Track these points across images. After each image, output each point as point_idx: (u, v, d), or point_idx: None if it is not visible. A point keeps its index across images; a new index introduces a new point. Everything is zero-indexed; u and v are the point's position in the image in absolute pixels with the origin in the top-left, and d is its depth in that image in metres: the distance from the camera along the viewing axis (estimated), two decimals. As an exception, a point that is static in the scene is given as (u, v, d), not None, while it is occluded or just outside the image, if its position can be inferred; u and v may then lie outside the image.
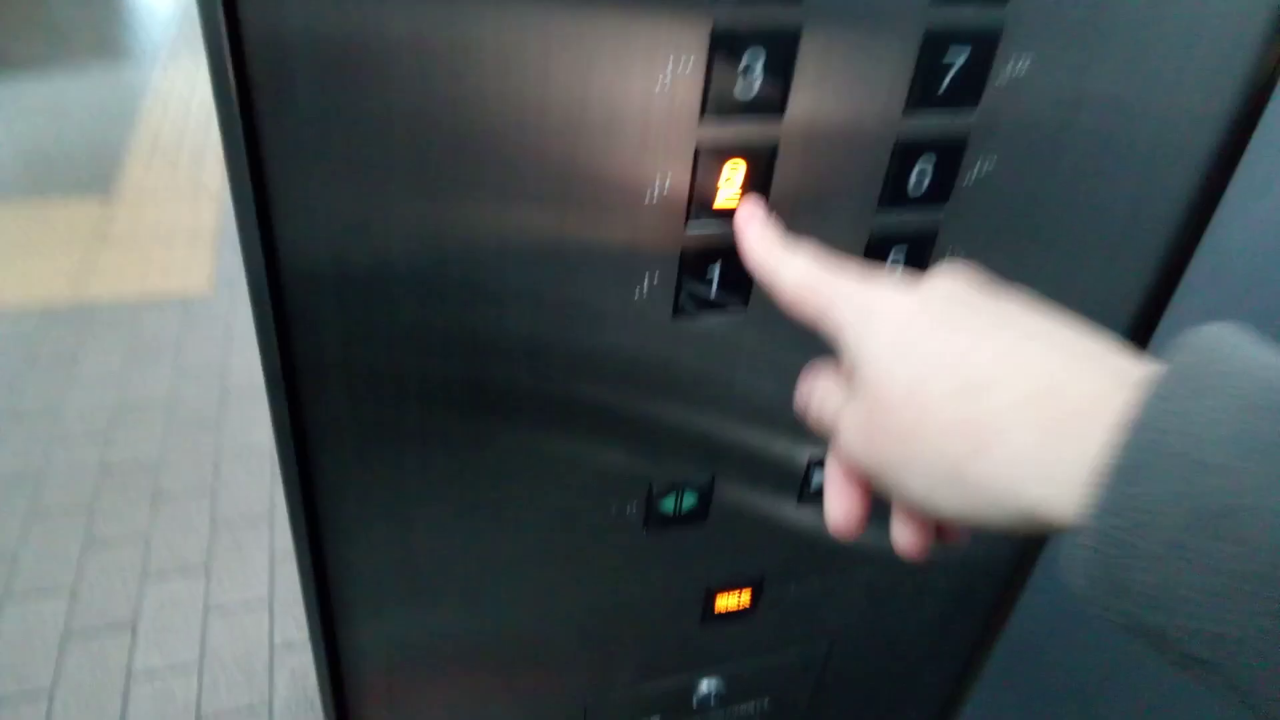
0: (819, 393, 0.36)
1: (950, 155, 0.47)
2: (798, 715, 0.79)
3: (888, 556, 0.69)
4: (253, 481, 1.94)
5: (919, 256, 0.50)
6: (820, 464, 0.60)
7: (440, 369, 0.47)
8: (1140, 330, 0.61)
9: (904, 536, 0.34)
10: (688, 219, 0.45)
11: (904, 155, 0.46)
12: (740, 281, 0.48)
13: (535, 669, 0.65)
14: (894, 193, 0.47)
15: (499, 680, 0.65)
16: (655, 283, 0.47)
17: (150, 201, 2.95)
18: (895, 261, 0.50)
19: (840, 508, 0.35)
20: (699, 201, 0.44)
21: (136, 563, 1.78)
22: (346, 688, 0.59)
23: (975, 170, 0.48)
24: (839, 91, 0.43)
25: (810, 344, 0.54)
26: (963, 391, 0.27)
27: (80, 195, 2.93)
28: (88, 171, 3.08)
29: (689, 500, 0.58)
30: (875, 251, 0.49)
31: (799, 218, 0.46)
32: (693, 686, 0.71)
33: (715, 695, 0.71)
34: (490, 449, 0.51)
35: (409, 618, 0.58)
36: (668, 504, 0.57)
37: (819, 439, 0.58)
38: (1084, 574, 0.23)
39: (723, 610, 0.66)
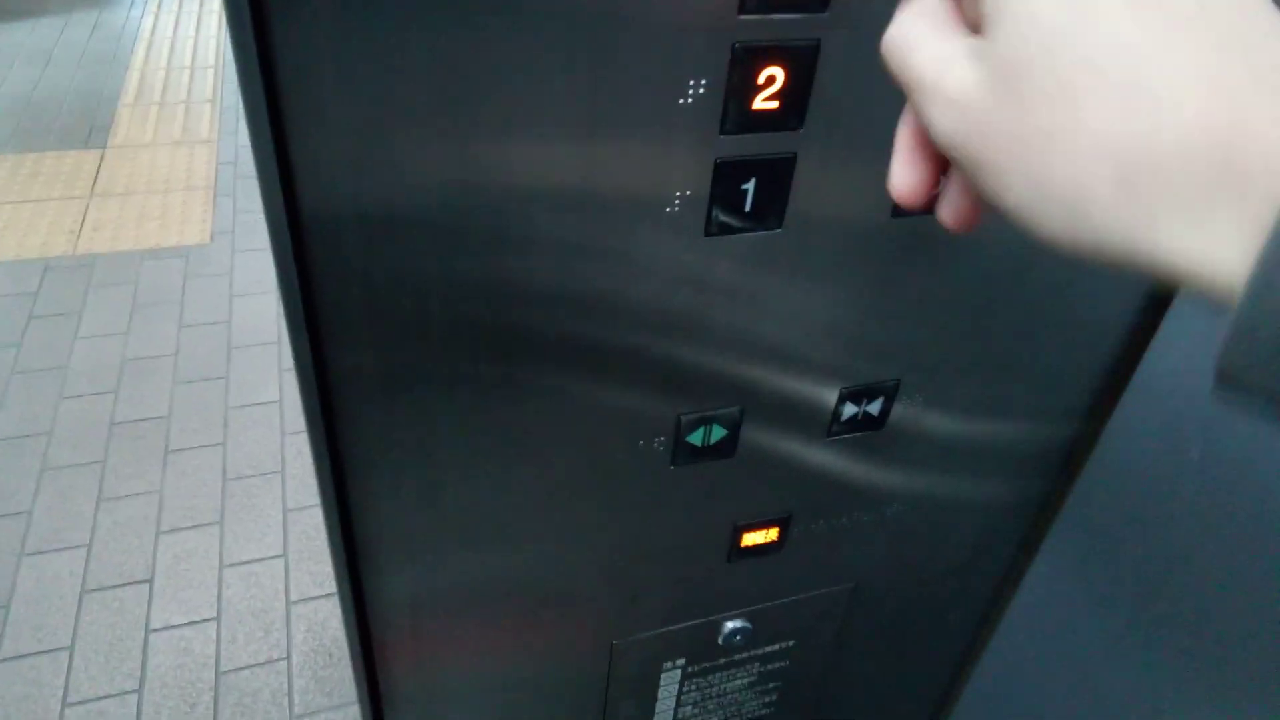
0: (915, 28, 0.27)
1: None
2: (822, 658, 0.79)
3: (915, 495, 0.68)
4: (262, 435, 1.93)
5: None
6: (852, 397, 0.58)
7: (465, 306, 0.44)
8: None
9: (949, 210, 0.28)
10: (722, 128, 0.42)
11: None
12: (775, 198, 0.45)
13: (562, 611, 0.64)
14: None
15: (526, 623, 0.64)
16: (688, 197, 0.44)
17: (144, 150, 2.90)
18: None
19: (906, 178, 0.28)
20: (734, 110, 0.41)
21: (150, 518, 1.79)
22: (373, 637, 0.58)
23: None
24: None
25: (849, 273, 0.53)
26: (1131, 105, 0.21)
27: (73, 146, 2.88)
28: (79, 121, 3.03)
29: (717, 433, 0.56)
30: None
31: (843, 125, 0.44)
32: (719, 627, 0.70)
33: (741, 635, 0.70)
34: (516, 386, 0.49)
35: (435, 563, 0.57)
36: (695, 437, 0.55)
37: (850, 369, 0.57)
38: (1248, 336, 0.20)
39: (750, 546, 0.64)
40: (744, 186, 0.44)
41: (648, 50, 0.39)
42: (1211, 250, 0.21)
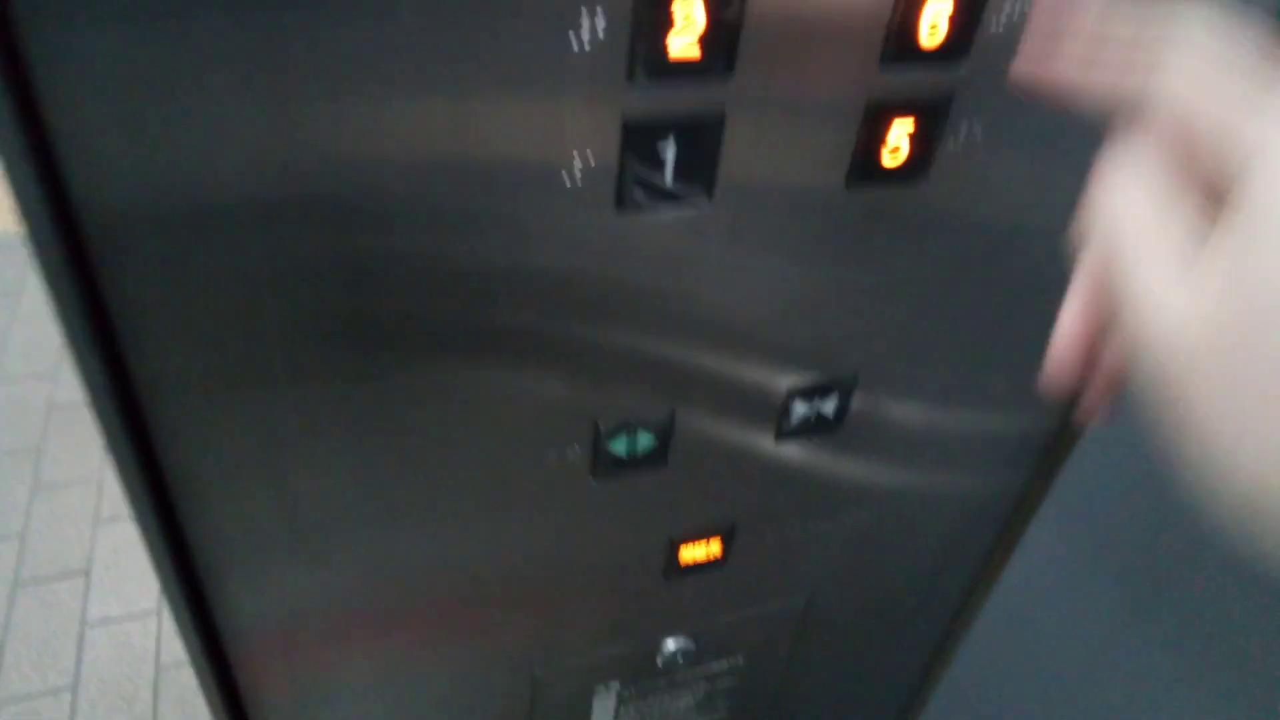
0: (1141, 217, 0.21)
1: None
2: (776, 673, 0.72)
3: (876, 500, 0.61)
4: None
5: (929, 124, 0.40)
6: (801, 395, 0.51)
7: (305, 299, 0.36)
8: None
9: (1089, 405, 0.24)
10: (631, 75, 0.34)
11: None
12: (701, 163, 0.37)
13: (471, 636, 0.56)
14: (898, 46, 0.36)
15: (430, 650, 0.56)
16: (591, 165, 0.36)
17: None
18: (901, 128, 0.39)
19: (1066, 366, 0.25)
20: (645, 51, 0.33)
21: (89, 507, 1.70)
22: (231, 661, 0.50)
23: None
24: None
25: (796, 245, 0.45)
26: None
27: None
28: None
29: (644, 441, 0.48)
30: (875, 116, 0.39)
31: (781, 75, 0.36)
32: (658, 647, 0.63)
33: (683, 654, 0.63)
34: (384, 386, 0.40)
35: (306, 581, 0.48)
36: (619, 445, 0.48)
37: (800, 363, 0.49)
38: None
39: (689, 563, 0.57)
40: (661, 146, 0.36)
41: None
42: None
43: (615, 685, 0.64)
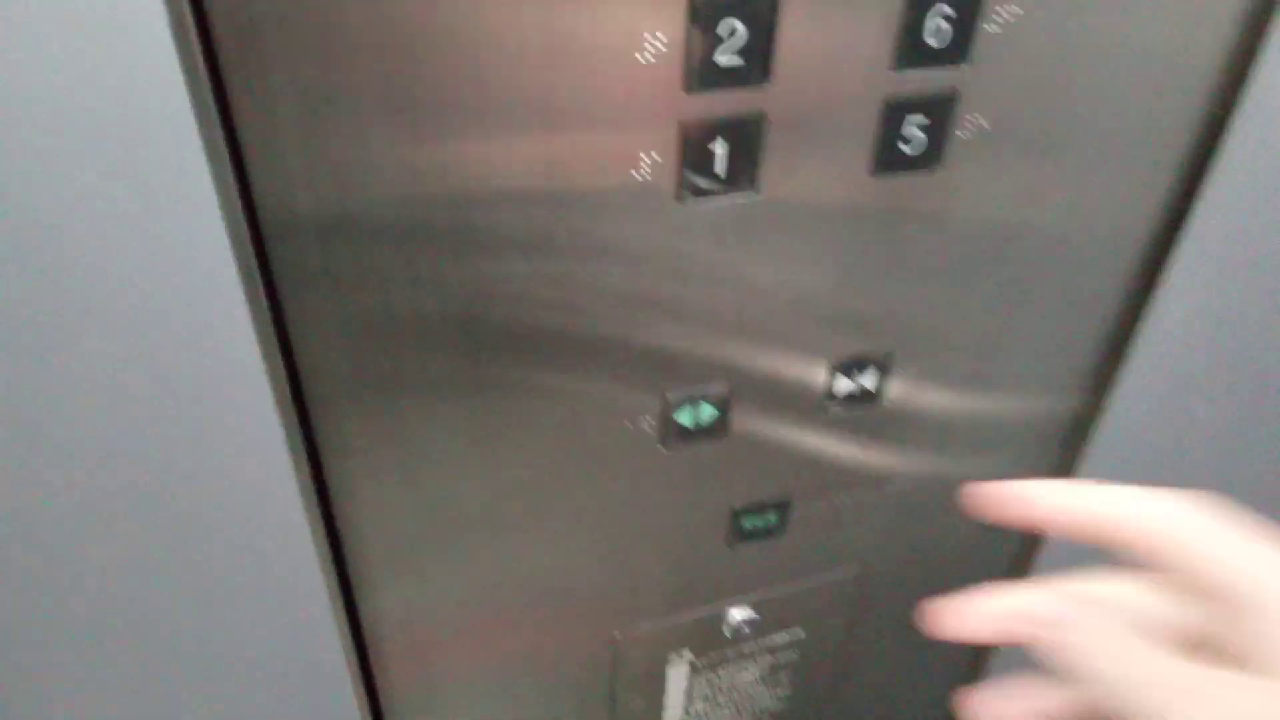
0: (1108, 610, 0.23)
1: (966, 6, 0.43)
2: (834, 647, 0.77)
3: (917, 471, 0.66)
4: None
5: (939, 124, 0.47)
6: (842, 370, 0.57)
7: (430, 303, 0.44)
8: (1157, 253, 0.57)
9: None
10: (688, 85, 0.41)
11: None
12: (749, 160, 0.44)
13: (560, 606, 0.62)
14: (911, 47, 0.43)
15: (524, 622, 0.63)
16: (657, 161, 0.43)
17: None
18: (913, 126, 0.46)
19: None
20: (697, 63, 0.40)
21: None
22: (369, 653, 0.57)
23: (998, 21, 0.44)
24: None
25: (829, 235, 0.52)
26: None
27: None
28: None
29: (706, 412, 0.55)
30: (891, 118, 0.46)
31: (805, 81, 0.43)
32: (724, 617, 0.69)
33: (748, 624, 0.69)
34: (492, 378, 0.48)
35: (426, 570, 0.56)
36: (685, 417, 0.54)
37: (839, 342, 0.55)
38: None
39: (749, 529, 0.63)
40: (712, 148, 0.43)
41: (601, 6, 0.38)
42: None
43: (687, 654, 0.70)
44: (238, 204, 0.37)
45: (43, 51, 0.31)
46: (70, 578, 0.45)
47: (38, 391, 0.39)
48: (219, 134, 0.35)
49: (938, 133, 0.48)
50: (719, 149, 0.44)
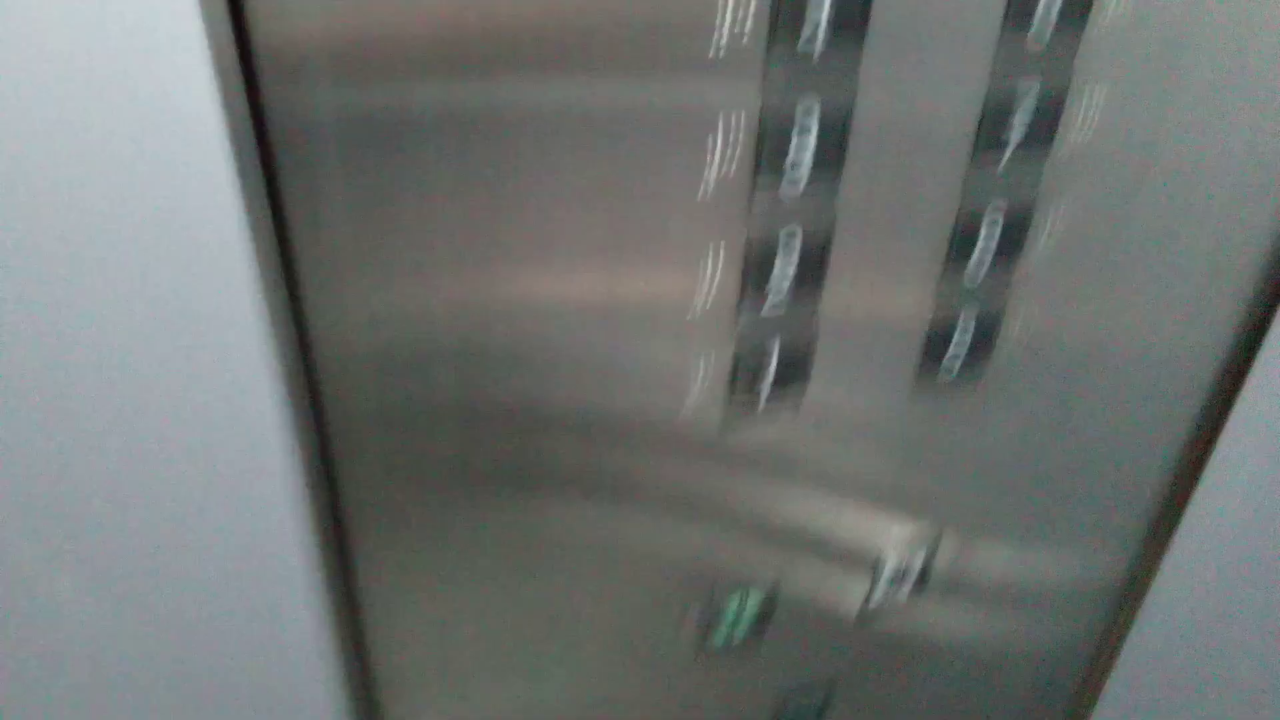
0: None
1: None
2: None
3: (966, 649, 0.63)
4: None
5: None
6: (889, 559, 0.55)
7: (484, 450, 0.44)
8: (1236, 371, 0.57)
9: None
10: (742, 299, 0.42)
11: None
12: (797, 374, 0.45)
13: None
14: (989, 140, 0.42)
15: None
16: (712, 365, 0.44)
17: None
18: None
19: None
20: (753, 287, 0.41)
21: None
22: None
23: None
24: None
25: (872, 442, 0.52)
26: None
27: None
28: None
29: (752, 604, 0.53)
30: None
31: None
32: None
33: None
34: (536, 540, 0.48)
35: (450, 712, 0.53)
36: (730, 610, 0.53)
37: (891, 536, 0.54)
38: None
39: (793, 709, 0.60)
40: (767, 359, 0.44)
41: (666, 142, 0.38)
42: None
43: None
44: (295, 340, 0.37)
45: (114, 239, 0.31)
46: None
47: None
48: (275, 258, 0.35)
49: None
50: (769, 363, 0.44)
